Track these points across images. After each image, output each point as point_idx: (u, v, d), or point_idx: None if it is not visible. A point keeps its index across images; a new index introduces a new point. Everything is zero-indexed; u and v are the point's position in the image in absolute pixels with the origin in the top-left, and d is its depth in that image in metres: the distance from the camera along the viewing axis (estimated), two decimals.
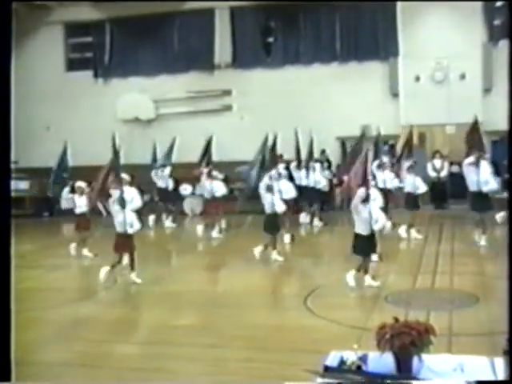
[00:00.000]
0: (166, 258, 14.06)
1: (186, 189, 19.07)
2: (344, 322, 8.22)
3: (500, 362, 4.21)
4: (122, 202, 10.42)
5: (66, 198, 13.11)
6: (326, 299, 9.71)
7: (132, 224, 10.53)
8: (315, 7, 19.94)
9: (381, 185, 13.75)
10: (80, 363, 7.46)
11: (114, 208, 10.57)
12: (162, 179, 17.33)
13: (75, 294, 10.62)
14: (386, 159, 15.01)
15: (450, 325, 7.97)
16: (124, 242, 10.59)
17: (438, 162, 18.40)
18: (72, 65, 22.83)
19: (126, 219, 10.44)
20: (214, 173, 15.74)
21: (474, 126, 13.82)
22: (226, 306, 9.44)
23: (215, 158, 16.04)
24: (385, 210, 11.27)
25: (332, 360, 4.44)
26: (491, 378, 4.11)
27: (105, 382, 6.67)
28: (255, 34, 21.02)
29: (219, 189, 15.76)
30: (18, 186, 21.79)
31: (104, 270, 10.64)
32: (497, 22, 18.78)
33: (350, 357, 4.36)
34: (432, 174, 18.39)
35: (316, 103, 19.56)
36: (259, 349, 7.46)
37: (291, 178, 16.04)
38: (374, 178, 12.46)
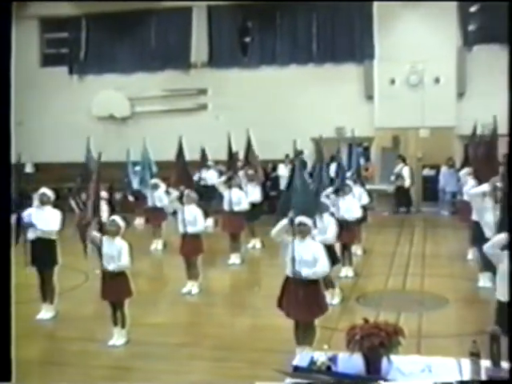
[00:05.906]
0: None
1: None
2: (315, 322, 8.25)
3: (467, 364, 4.28)
4: None
5: None
6: None
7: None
8: (292, 8, 19.94)
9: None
10: (48, 361, 7.41)
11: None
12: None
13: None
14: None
15: (420, 326, 8.06)
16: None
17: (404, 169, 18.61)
18: (47, 60, 22.52)
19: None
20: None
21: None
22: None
23: (188, 157, 15.84)
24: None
25: (302, 360, 4.47)
26: (458, 379, 4.17)
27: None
28: (232, 33, 20.98)
29: None
30: None
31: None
32: (471, 27, 18.98)
33: (320, 357, 4.40)
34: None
35: (292, 104, 19.56)
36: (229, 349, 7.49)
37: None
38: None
